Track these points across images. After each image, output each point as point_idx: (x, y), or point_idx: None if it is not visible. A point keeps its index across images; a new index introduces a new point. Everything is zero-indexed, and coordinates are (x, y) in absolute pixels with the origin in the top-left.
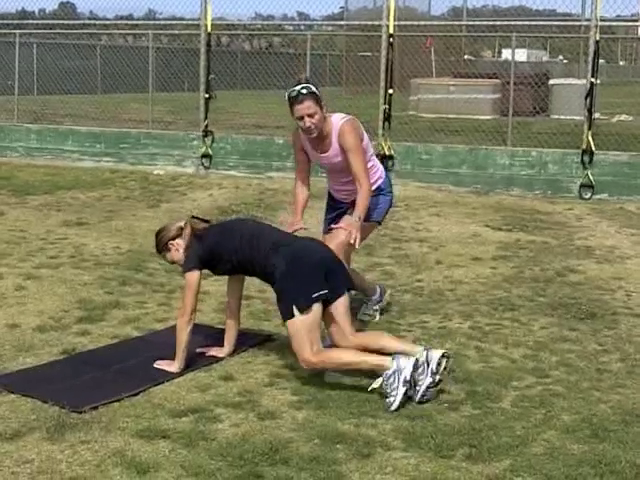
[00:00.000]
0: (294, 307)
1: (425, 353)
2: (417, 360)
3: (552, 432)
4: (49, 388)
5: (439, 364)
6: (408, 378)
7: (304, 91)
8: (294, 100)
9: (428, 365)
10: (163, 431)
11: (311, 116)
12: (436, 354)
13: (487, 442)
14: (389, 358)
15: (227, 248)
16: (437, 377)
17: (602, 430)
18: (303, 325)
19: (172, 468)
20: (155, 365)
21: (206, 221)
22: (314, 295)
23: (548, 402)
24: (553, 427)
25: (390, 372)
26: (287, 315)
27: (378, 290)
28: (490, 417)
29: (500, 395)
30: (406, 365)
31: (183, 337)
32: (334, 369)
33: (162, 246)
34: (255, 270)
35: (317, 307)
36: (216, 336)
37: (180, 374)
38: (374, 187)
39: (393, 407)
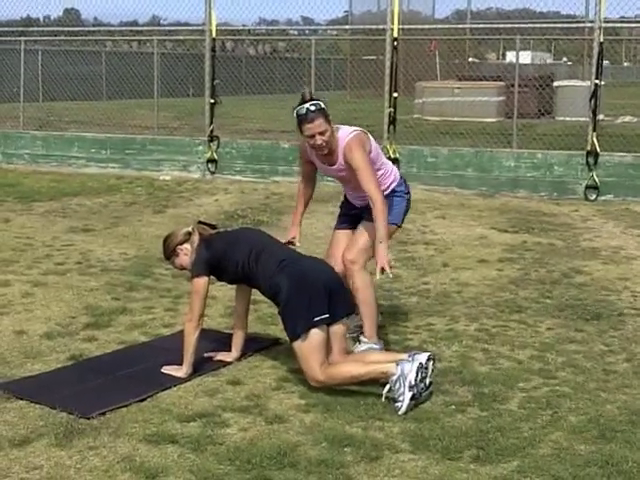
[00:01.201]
0: (297, 330)
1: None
2: (421, 364)
3: (559, 433)
4: (57, 394)
5: (426, 368)
6: (413, 382)
7: (313, 108)
8: (304, 119)
9: (405, 378)
10: (171, 436)
11: (322, 134)
12: (422, 358)
13: (494, 444)
14: (393, 364)
15: (234, 260)
16: (428, 380)
17: (609, 430)
18: (309, 346)
19: (180, 473)
20: (162, 370)
21: (213, 226)
22: (316, 319)
23: (555, 403)
24: (560, 428)
25: (395, 378)
26: (292, 337)
27: (379, 345)
28: (497, 419)
29: (507, 397)
30: (410, 370)
31: (191, 342)
32: (342, 384)
33: (170, 252)
34: (260, 286)
35: (321, 328)
36: (224, 341)
37: (187, 379)
38: (388, 190)
39: (401, 412)
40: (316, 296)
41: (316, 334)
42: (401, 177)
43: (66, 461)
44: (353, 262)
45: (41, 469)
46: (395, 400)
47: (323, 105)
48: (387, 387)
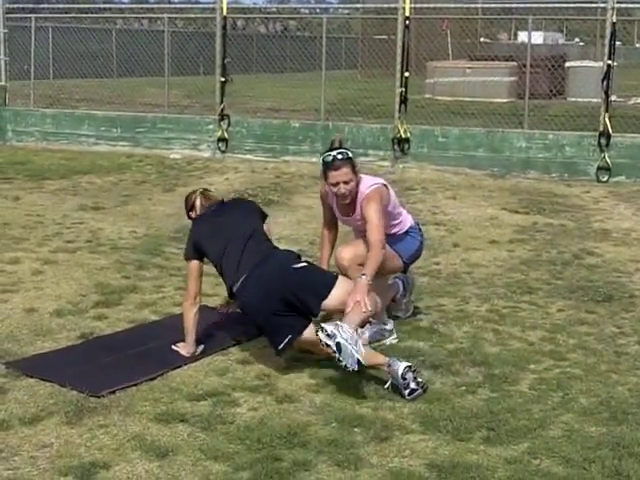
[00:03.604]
0: (279, 349)
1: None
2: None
3: (570, 415)
4: (67, 372)
5: (404, 378)
6: (412, 378)
7: (340, 157)
8: (330, 166)
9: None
10: (181, 415)
11: (346, 183)
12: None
13: (505, 425)
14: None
15: (209, 254)
16: (406, 392)
17: (620, 412)
18: (304, 346)
19: (190, 452)
20: (173, 347)
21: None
22: (280, 347)
23: (566, 385)
24: (571, 410)
25: (392, 378)
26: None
27: (389, 324)
28: (508, 400)
29: (518, 378)
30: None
31: (189, 320)
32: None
33: (187, 214)
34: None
35: (301, 332)
36: (234, 317)
37: (197, 358)
38: (402, 231)
39: (409, 398)
40: (273, 323)
41: (299, 340)
42: (417, 223)
43: (76, 439)
44: (343, 259)
45: (51, 447)
46: (404, 388)
47: (351, 154)
48: (388, 383)
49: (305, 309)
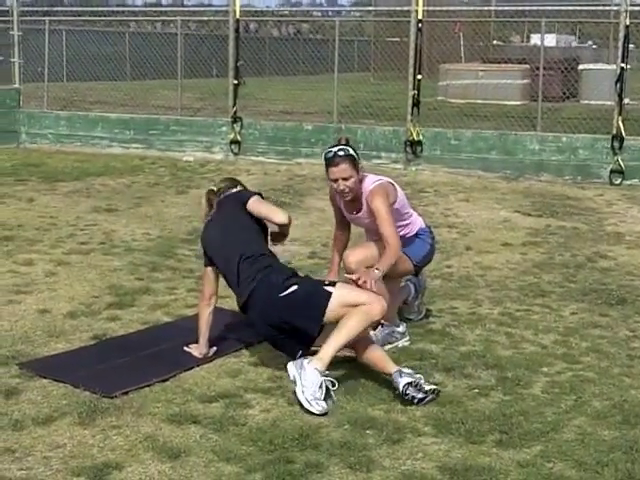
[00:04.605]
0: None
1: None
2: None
3: (583, 418)
4: (80, 373)
5: (406, 394)
6: (417, 388)
7: (341, 153)
8: (330, 162)
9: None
10: (194, 416)
11: (346, 179)
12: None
13: (518, 428)
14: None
15: (218, 265)
16: (414, 401)
17: (633, 416)
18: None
19: (203, 453)
20: (185, 349)
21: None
22: (296, 358)
23: (579, 388)
24: (584, 413)
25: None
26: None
27: (401, 327)
28: (521, 403)
29: (530, 381)
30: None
31: (203, 320)
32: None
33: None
34: None
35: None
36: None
37: (210, 359)
38: (412, 234)
39: (419, 404)
40: (281, 340)
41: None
42: (427, 226)
43: (89, 440)
44: (351, 262)
45: (64, 447)
46: (410, 399)
47: (352, 152)
48: (397, 391)
49: (301, 333)
